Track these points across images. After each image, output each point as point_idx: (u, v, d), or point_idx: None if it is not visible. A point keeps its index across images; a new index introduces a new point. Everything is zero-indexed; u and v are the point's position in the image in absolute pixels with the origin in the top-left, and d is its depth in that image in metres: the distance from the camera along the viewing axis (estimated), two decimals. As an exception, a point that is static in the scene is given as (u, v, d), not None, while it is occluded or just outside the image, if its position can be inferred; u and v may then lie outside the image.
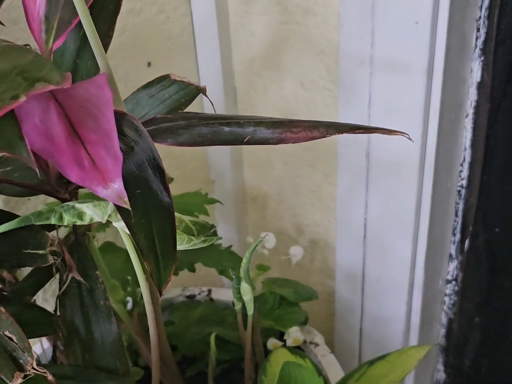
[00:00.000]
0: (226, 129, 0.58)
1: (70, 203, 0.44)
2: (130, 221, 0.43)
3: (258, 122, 0.58)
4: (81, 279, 0.57)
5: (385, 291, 1.01)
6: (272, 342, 0.87)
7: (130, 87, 0.95)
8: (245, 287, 0.69)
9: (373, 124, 0.85)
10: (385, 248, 0.96)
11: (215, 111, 0.68)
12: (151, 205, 0.45)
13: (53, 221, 0.43)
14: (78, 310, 0.59)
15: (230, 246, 0.88)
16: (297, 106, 0.96)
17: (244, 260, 0.66)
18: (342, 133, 0.57)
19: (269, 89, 0.99)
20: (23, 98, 0.36)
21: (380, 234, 0.95)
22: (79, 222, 0.43)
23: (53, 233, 0.60)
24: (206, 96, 0.64)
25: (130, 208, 0.40)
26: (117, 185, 0.40)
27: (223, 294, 1.00)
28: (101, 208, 0.43)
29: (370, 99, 0.83)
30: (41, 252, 0.56)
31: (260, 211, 1.12)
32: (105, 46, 0.59)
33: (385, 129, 0.56)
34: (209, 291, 1.01)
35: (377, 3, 0.76)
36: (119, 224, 0.45)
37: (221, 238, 0.59)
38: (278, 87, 0.97)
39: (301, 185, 1.03)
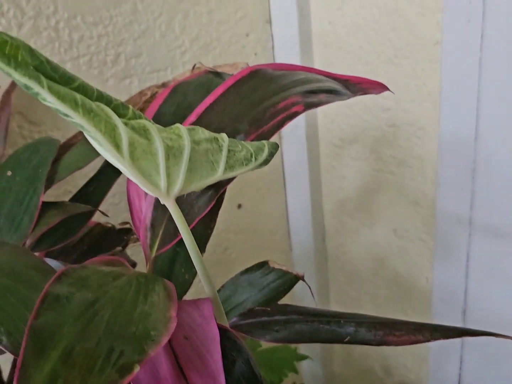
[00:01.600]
0: (326, 327, 0.56)
1: None
2: None
3: (359, 322, 0.57)
4: None
5: None
6: None
7: (220, 229, 0.96)
8: None
9: (471, 284, 0.82)
10: (482, 403, 0.91)
11: (313, 297, 0.67)
12: None
13: None
14: None
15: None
16: (389, 252, 0.94)
17: None
18: (447, 338, 0.54)
19: (360, 231, 0.97)
20: (137, 369, 0.35)
21: (476, 390, 0.90)
22: None
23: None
24: (304, 281, 0.63)
25: None
26: None
27: None
28: None
29: (468, 259, 0.80)
30: None
31: (347, 348, 1.09)
32: (207, 237, 0.59)
33: (496, 334, 0.54)
34: None
35: (479, 168, 0.74)
36: None
37: None
38: (369, 230, 0.95)
39: (391, 328, 0.99)
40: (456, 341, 0.87)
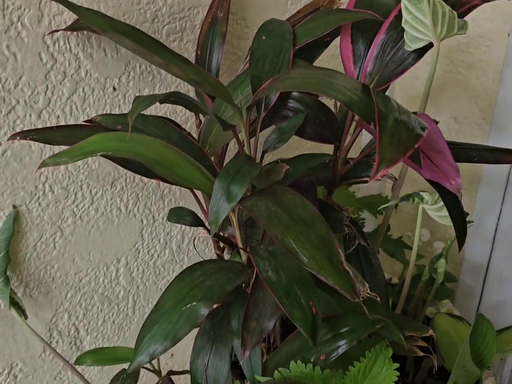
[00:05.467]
0: (463, 151, 0.87)
1: (417, 192, 0.74)
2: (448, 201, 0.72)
3: (483, 149, 0.87)
4: (365, 244, 0.86)
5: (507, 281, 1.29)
6: (429, 310, 1.17)
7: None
8: (442, 262, 0.99)
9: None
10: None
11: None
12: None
13: (416, 200, 0.73)
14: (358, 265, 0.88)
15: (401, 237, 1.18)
16: (448, 134, 1.26)
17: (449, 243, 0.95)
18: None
19: (425, 120, 1.29)
20: (426, 132, 0.65)
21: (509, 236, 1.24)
22: (420, 203, 0.73)
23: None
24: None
25: (461, 194, 0.69)
26: (456, 182, 0.70)
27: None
28: (432, 196, 0.73)
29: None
30: (338, 225, 0.86)
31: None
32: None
33: None
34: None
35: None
36: (437, 209, 0.74)
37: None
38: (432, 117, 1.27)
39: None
40: (497, 199, 1.21)
